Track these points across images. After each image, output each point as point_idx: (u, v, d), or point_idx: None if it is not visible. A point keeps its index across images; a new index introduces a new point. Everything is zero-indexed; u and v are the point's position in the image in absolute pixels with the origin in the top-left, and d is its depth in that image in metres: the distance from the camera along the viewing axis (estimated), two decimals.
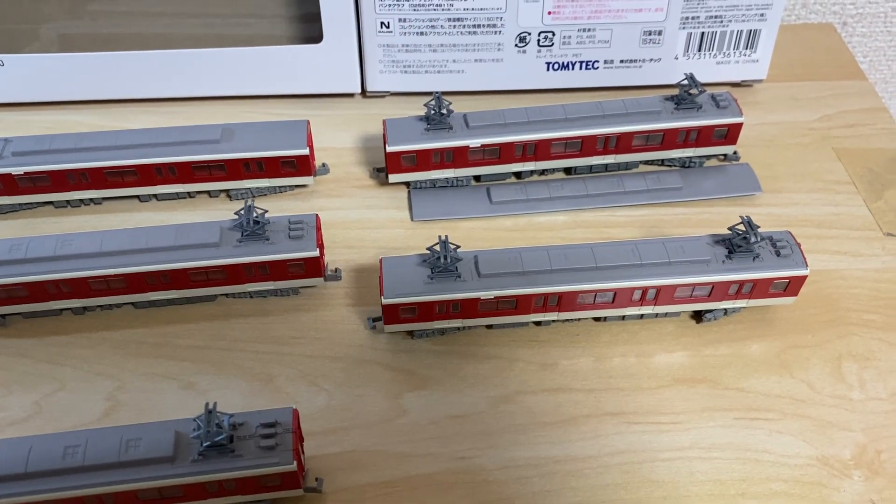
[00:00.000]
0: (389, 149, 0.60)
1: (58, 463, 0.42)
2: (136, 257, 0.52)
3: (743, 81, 0.73)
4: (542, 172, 0.64)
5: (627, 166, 0.65)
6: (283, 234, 0.53)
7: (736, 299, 0.53)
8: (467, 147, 0.61)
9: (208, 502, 0.45)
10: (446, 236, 0.52)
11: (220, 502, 0.45)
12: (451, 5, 0.66)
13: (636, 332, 0.55)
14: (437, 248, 0.51)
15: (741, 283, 0.52)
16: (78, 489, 0.42)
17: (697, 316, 0.55)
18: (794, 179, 0.65)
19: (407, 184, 0.64)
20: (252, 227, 0.52)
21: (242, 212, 0.53)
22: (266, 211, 0.53)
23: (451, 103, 0.61)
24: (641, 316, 0.55)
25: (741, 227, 0.52)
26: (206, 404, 0.43)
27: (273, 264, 0.53)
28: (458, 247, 0.52)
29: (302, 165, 0.61)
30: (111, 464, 0.42)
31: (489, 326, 0.55)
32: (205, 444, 0.42)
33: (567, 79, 0.70)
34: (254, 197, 0.63)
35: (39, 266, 0.52)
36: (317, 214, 0.56)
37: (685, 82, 0.62)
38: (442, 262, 0.51)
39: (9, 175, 0.59)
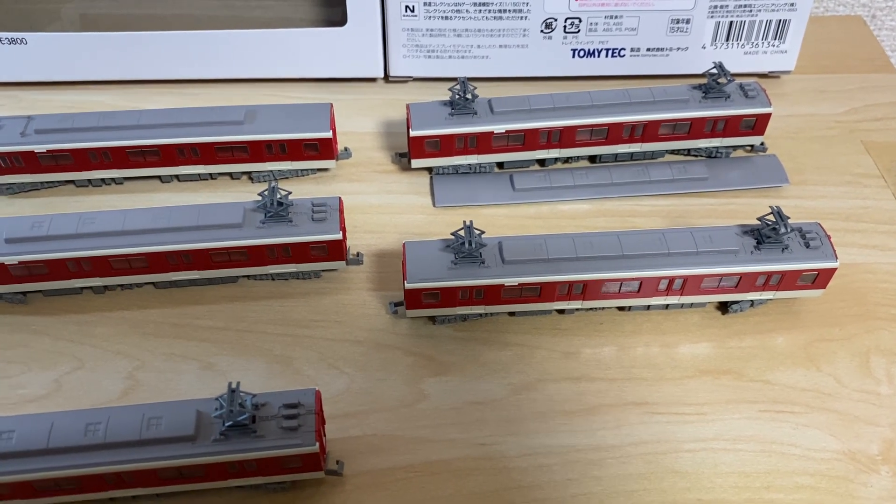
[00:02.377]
0: (413, 133, 0.60)
1: (79, 439, 0.42)
2: (159, 236, 0.52)
3: (770, 72, 0.72)
4: (567, 160, 0.64)
5: (653, 155, 0.64)
6: (306, 216, 0.53)
7: (763, 291, 0.53)
8: (492, 133, 0.60)
9: (228, 482, 0.44)
10: (471, 221, 0.51)
11: (240, 482, 0.44)
12: None
13: (660, 322, 0.54)
14: (462, 233, 0.51)
15: (769, 275, 0.51)
16: (99, 466, 0.42)
17: (723, 307, 0.55)
18: (821, 172, 0.65)
19: (429, 169, 0.64)
20: (276, 209, 0.52)
21: (266, 193, 0.52)
22: (290, 193, 0.53)
23: (476, 88, 0.60)
24: (667, 306, 0.54)
25: (771, 217, 0.52)
26: (230, 384, 0.43)
27: (296, 246, 0.53)
28: (483, 232, 0.51)
29: (325, 149, 0.61)
30: (132, 441, 0.42)
31: (511, 314, 0.54)
32: (227, 424, 0.42)
33: (592, 66, 0.70)
34: (276, 179, 0.62)
35: (61, 243, 0.52)
36: (340, 197, 0.55)
37: (714, 71, 0.61)
38: (466, 247, 0.50)
39: (31, 152, 0.59)
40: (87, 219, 0.52)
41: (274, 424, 0.43)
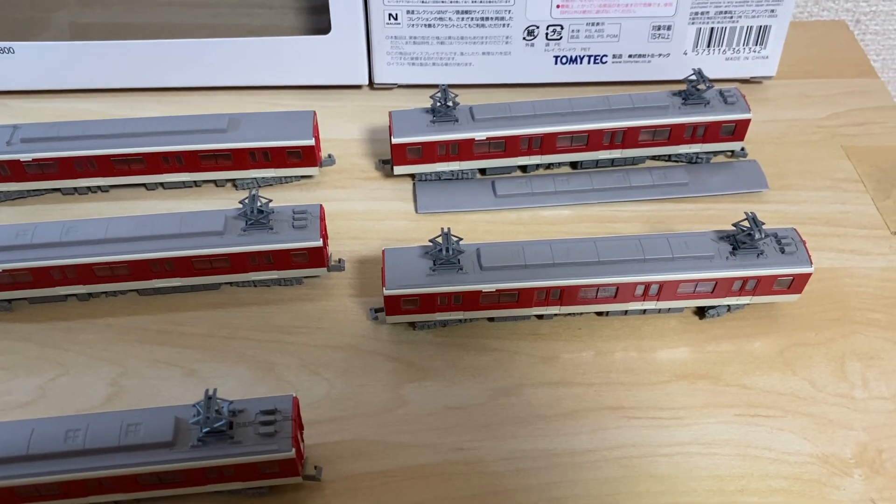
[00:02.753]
0: (395, 140, 0.60)
1: (59, 446, 0.43)
2: (141, 244, 0.52)
3: (752, 78, 0.72)
4: (548, 166, 0.64)
5: (634, 161, 0.64)
6: (287, 223, 0.54)
7: (739, 296, 0.53)
8: (473, 140, 0.60)
9: (207, 488, 0.45)
10: (448, 229, 0.52)
11: (218, 488, 0.45)
12: None
13: (638, 326, 0.55)
14: (440, 240, 0.51)
15: (745, 280, 0.52)
16: (78, 472, 0.42)
17: (700, 312, 0.55)
18: (802, 177, 0.65)
19: (412, 176, 0.64)
20: (256, 217, 0.52)
21: (247, 201, 0.53)
22: (270, 200, 0.54)
23: (457, 95, 0.61)
24: (644, 311, 0.54)
25: (745, 223, 0.52)
26: (206, 391, 0.43)
27: (277, 253, 0.53)
28: (461, 239, 0.52)
29: (307, 156, 0.61)
30: (111, 448, 0.43)
31: (491, 319, 0.55)
32: (204, 430, 0.43)
33: (575, 73, 0.70)
34: (259, 186, 0.63)
35: (45, 252, 0.52)
36: (321, 205, 0.56)
37: (693, 77, 0.62)
38: (444, 254, 0.51)
39: (17, 161, 0.60)
40: (70, 227, 0.53)
41: (251, 430, 0.44)
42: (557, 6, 0.66)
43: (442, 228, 0.52)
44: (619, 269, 0.51)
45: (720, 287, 0.52)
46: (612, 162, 0.64)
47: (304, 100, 0.72)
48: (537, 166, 0.64)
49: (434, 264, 0.51)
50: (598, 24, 0.67)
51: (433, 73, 0.70)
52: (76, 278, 0.53)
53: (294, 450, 0.43)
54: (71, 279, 0.53)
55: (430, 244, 0.52)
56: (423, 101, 0.63)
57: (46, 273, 0.53)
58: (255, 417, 0.44)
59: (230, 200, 0.62)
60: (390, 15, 0.67)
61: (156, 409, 0.45)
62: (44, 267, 0.52)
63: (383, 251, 0.53)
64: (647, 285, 0.52)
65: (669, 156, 0.65)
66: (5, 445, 0.43)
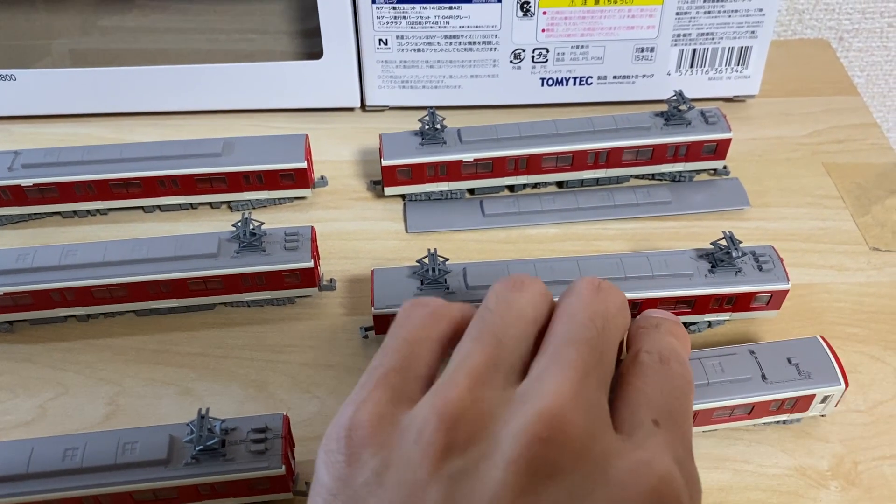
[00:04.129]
0: (385, 162, 0.62)
1: (58, 464, 0.44)
2: (138, 267, 0.54)
3: (735, 97, 0.74)
4: (535, 186, 0.66)
5: (619, 180, 0.66)
6: (279, 245, 0.55)
7: (719, 312, 0.55)
8: (460, 161, 0.62)
9: None
10: (435, 249, 0.53)
11: None
12: (448, 23, 0.67)
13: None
14: (426, 260, 0.53)
15: (723, 297, 0.53)
16: (76, 490, 0.44)
17: None
18: (783, 194, 0.67)
19: (403, 196, 0.66)
20: (249, 239, 0.54)
21: (240, 224, 0.54)
22: (262, 223, 0.55)
23: (444, 119, 0.63)
24: None
25: (723, 241, 0.54)
26: (199, 410, 0.45)
27: (269, 275, 0.55)
28: (447, 259, 0.53)
29: (300, 178, 0.63)
30: (108, 466, 0.44)
31: None
32: (197, 448, 0.44)
33: (561, 94, 0.72)
34: (252, 209, 0.65)
35: (45, 275, 0.54)
36: (312, 227, 0.57)
37: (674, 98, 0.63)
38: (430, 274, 0.52)
39: (18, 186, 0.61)
40: (69, 251, 0.55)
41: (243, 448, 0.45)
42: (543, 30, 0.68)
43: (428, 249, 0.54)
44: None
45: (700, 304, 0.54)
46: (598, 181, 0.66)
47: (297, 122, 0.74)
48: (524, 186, 0.66)
49: (422, 284, 0.53)
50: (582, 46, 0.69)
51: (423, 95, 0.72)
52: (75, 300, 0.55)
53: (284, 466, 0.45)
54: (70, 301, 0.55)
55: (418, 264, 0.53)
56: (414, 122, 0.65)
57: (46, 295, 0.54)
58: (246, 435, 0.46)
59: (225, 222, 0.64)
60: (381, 40, 0.69)
61: (151, 427, 0.46)
62: (44, 290, 0.54)
63: (372, 271, 0.55)
64: (629, 303, 0.53)
65: (653, 174, 0.66)
66: (6, 464, 0.44)
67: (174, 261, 0.54)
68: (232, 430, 0.46)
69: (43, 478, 0.44)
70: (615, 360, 0.37)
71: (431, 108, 0.63)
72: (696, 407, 0.47)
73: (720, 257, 0.53)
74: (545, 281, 0.52)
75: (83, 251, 0.55)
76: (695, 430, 0.49)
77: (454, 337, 0.38)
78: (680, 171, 0.66)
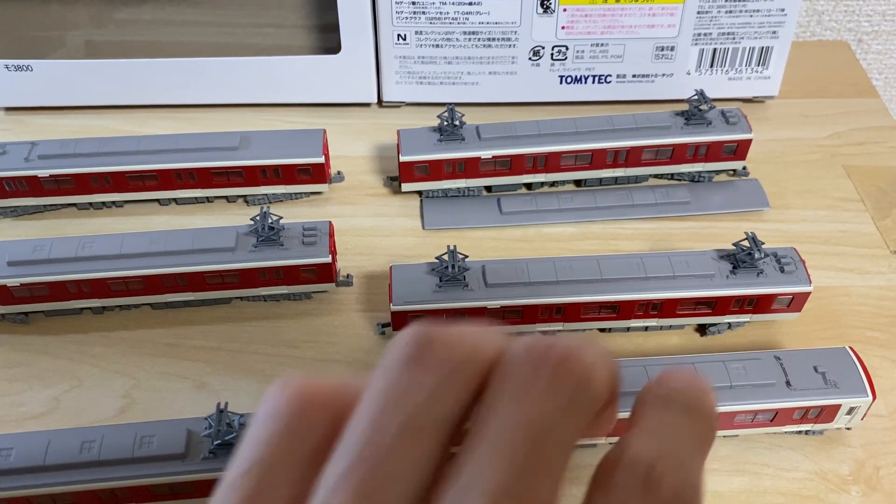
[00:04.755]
0: (403, 158, 0.62)
1: (75, 457, 0.44)
2: (155, 259, 0.54)
3: (754, 97, 0.74)
4: (553, 184, 0.65)
5: (637, 179, 0.65)
6: (296, 240, 0.55)
7: (740, 314, 0.54)
8: (479, 158, 0.62)
9: None
10: (454, 246, 0.53)
11: None
12: (467, 19, 0.67)
13: (640, 343, 0.56)
14: (446, 257, 0.52)
15: (745, 299, 0.53)
16: (93, 483, 0.44)
17: (702, 329, 0.56)
18: (802, 196, 0.66)
19: (419, 192, 0.66)
20: (267, 233, 0.54)
21: (258, 218, 0.54)
22: (281, 217, 0.55)
23: (463, 115, 0.62)
24: (646, 328, 0.55)
25: (745, 242, 0.53)
26: (218, 404, 0.44)
27: (286, 269, 0.55)
28: (466, 256, 0.53)
29: (317, 173, 0.63)
30: (125, 459, 0.44)
31: None
32: (215, 443, 0.44)
33: (580, 92, 0.72)
34: (270, 203, 0.64)
35: (61, 266, 0.54)
36: (330, 222, 0.57)
37: (695, 98, 0.63)
38: (450, 271, 0.52)
39: (35, 177, 0.61)
40: (86, 242, 0.54)
41: None
42: (563, 27, 0.67)
43: (448, 246, 0.53)
44: (621, 287, 0.52)
45: (721, 305, 0.53)
46: (616, 180, 0.65)
47: (312, 117, 0.73)
48: (542, 184, 0.65)
49: (440, 281, 0.53)
50: (602, 44, 0.69)
51: (440, 91, 0.71)
52: (91, 292, 0.55)
53: None
54: (86, 293, 0.55)
55: (437, 261, 0.53)
56: (431, 119, 0.64)
57: (63, 287, 0.54)
58: None
59: (241, 216, 0.64)
60: (399, 35, 0.68)
61: (168, 421, 0.46)
62: (60, 281, 0.54)
63: (391, 267, 0.54)
64: (649, 303, 0.53)
65: (672, 174, 0.66)
66: (23, 456, 0.44)
67: (191, 254, 0.54)
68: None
69: (60, 470, 0.44)
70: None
71: (450, 104, 0.62)
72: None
73: (742, 258, 0.53)
74: (564, 280, 0.52)
75: (100, 243, 0.54)
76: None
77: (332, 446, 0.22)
78: (699, 172, 0.65)
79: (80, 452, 0.44)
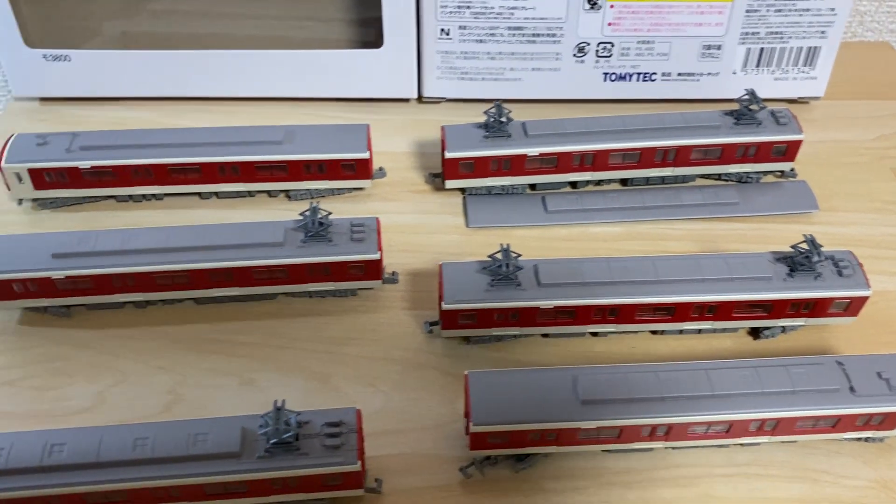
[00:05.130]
0: (448, 155, 0.61)
1: (128, 454, 0.43)
2: (202, 254, 0.53)
3: (800, 98, 0.73)
4: (598, 183, 0.65)
5: (684, 179, 0.65)
6: (345, 236, 0.54)
7: (795, 317, 0.53)
8: (525, 155, 0.61)
9: (270, 499, 0.45)
10: (508, 245, 0.52)
11: (281, 499, 0.45)
12: (512, 14, 0.66)
13: (693, 346, 0.55)
14: (499, 255, 0.52)
15: (802, 302, 0.52)
16: (148, 480, 0.43)
17: (755, 332, 0.55)
18: (850, 199, 0.65)
19: (462, 190, 0.65)
20: (316, 229, 0.53)
21: (308, 213, 0.53)
22: (330, 213, 0.54)
23: (510, 111, 0.61)
24: (699, 331, 0.55)
25: (804, 245, 0.52)
26: (275, 402, 0.44)
27: (334, 265, 0.54)
28: (520, 255, 0.52)
29: (361, 169, 0.62)
30: (179, 457, 0.43)
31: (545, 335, 0.55)
32: (272, 442, 0.43)
33: (624, 90, 0.71)
34: (312, 198, 0.63)
35: (106, 259, 0.53)
36: (377, 218, 0.56)
37: (746, 98, 0.62)
38: (504, 269, 0.51)
39: (76, 168, 0.60)
40: (131, 235, 0.54)
41: (317, 442, 0.44)
42: (609, 24, 0.66)
43: (501, 244, 0.52)
44: (676, 289, 0.51)
45: (777, 308, 0.52)
46: (663, 180, 0.64)
47: (351, 112, 0.72)
48: (587, 182, 0.64)
49: (492, 280, 0.52)
50: (648, 42, 0.68)
51: (482, 87, 0.70)
52: (136, 286, 0.54)
53: (360, 462, 0.44)
54: (131, 287, 0.54)
55: (489, 259, 0.52)
56: (471, 115, 0.64)
57: (107, 280, 0.53)
58: (320, 429, 0.44)
59: (283, 210, 0.63)
60: (442, 30, 0.67)
61: (222, 418, 0.45)
62: (105, 274, 0.53)
63: (441, 265, 0.53)
64: (705, 305, 0.52)
65: (719, 175, 0.65)
66: (76, 452, 0.43)
67: (239, 248, 0.53)
68: (304, 423, 0.45)
69: (113, 467, 0.43)
70: None
71: (496, 100, 0.61)
72: (778, 415, 0.46)
73: (800, 261, 0.52)
74: (619, 280, 0.51)
75: (145, 236, 0.54)
76: (773, 439, 0.48)
77: None
78: (747, 172, 0.64)
79: (134, 449, 0.43)
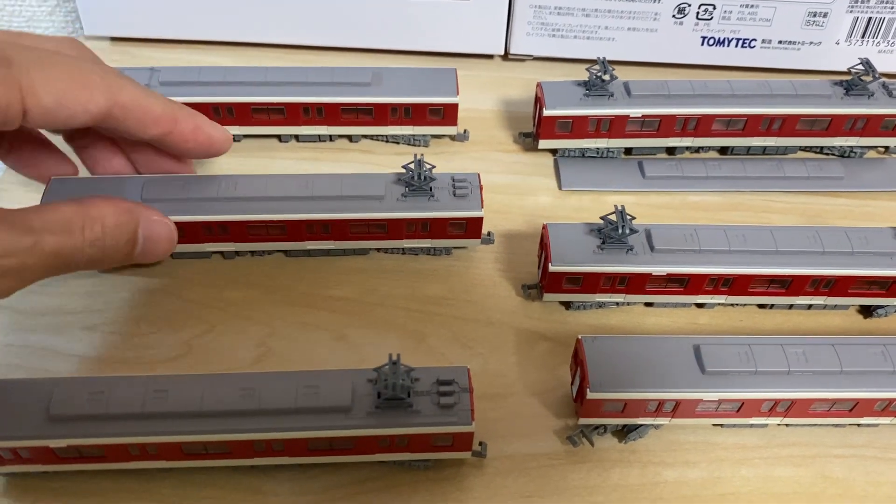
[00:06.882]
0: (546, 112, 0.58)
1: (234, 404, 0.41)
2: (301, 204, 0.51)
3: None
4: (697, 150, 0.62)
5: (786, 150, 0.62)
6: (447, 191, 0.52)
7: None
8: (627, 117, 0.58)
9: (376, 457, 0.43)
10: (623, 206, 0.50)
11: (387, 458, 0.44)
12: None
13: (801, 322, 0.53)
14: (613, 217, 0.49)
15: None
16: (254, 432, 0.41)
17: (865, 310, 0.53)
18: None
19: (553, 151, 0.62)
20: (420, 183, 0.51)
21: (411, 165, 0.51)
22: (434, 166, 0.52)
23: (614, 69, 0.58)
24: (809, 306, 0.52)
25: None
26: (390, 356, 0.42)
27: (435, 222, 0.52)
28: (634, 218, 0.50)
29: (449, 114, 0.59)
30: (287, 409, 0.41)
31: (648, 304, 0.53)
32: (385, 398, 0.41)
33: (721, 55, 0.68)
34: (399, 143, 0.61)
35: (201, 205, 0.51)
36: (478, 174, 0.54)
37: (859, 66, 0.59)
38: (619, 232, 0.49)
39: None
40: (228, 182, 0.51)
41: (429, 400, 0.42)
42: None
43: (615, 206, 0.50)
44: (796, 261, 0.49)
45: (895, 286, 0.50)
46: (764, 150, 0.62)
47: (432, 66, 0.69)
48: (686, 149, 0.62)
49: (603, 243, 0.49)
50: (752, 6, 0.65)
51: (573, 46, 0.68)
52: (228, 235, 0.52)
53: (473, 423, 0.42)
54: (222, 236, 0.52)
55: (601, 221, 0.50)
56: (559, 74, 0.61)
57: (198, 228, 0.51)
58: (431, 387, 0.43)
59: (364, 157, 0.61)
60: None
61: (332, 371, 0.43)
62: (197, 221, 0.51)
63: (545, 226, 0.51)
64: (824, 279, 0.49)
65: (821, 148, 0.62)
66: (178, 400, 0.41)
67: (339, 200, 0.51)
68: (416, 380, 0.43)
69: (218, 417, 0.41)
70: None
71: (602, 57, 0.58)
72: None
73: None
74: (736, 249, 0.49)
75: (243, 184, 0.51)
76: (894, 420, 0.46)
77: None
78: (852, 146, 0.61)
79: (242, 399, 0.41)
